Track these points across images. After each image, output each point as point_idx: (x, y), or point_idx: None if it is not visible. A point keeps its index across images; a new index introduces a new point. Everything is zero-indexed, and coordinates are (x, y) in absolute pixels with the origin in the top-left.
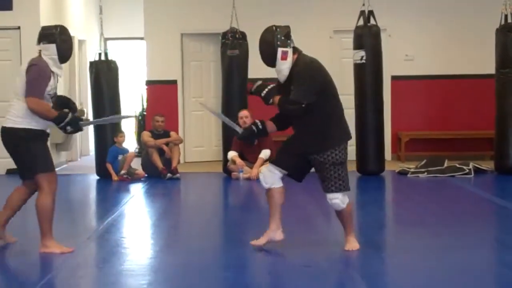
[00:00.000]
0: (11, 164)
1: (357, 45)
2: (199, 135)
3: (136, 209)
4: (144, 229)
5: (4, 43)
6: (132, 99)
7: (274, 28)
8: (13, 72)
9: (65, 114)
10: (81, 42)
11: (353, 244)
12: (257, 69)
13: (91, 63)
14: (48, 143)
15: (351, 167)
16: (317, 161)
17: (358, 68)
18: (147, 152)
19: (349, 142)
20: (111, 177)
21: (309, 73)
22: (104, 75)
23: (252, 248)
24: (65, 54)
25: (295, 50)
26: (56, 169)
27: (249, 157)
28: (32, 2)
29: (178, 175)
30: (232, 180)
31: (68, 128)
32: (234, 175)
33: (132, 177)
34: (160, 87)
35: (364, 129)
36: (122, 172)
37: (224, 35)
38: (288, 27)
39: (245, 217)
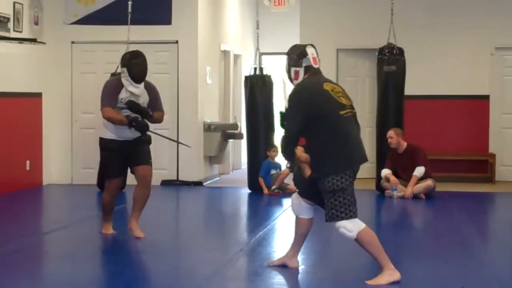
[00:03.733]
0: (166, 175)
1: None
2: None
3: (287, 223)
4: None
5: (162, 56)
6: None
7: (293, 46)
8: (171, 85)
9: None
10: (236, 56)
11: (378, 279)
12: (414, 85)
13: (246, 77)
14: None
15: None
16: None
17: None
18: (300, 168)
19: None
20: (262, 191)
21: (294, 100)
22: (259, 89)
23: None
24: (135, 76)
25: (308, 69)
26: (208, 182)
27: (403, 174)
28: (190, 17)
29: None
30: (385, 198)
31: (134, 124)
32: (388, 193)
33: (284, 192)
34: None
35: None
36: (274, 187)
37: (381, 50)
38: (305, 45)
39: (398, 237)
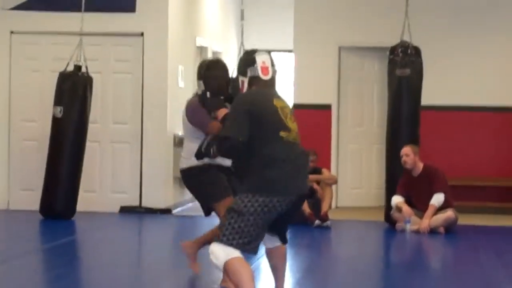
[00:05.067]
0: (127, 201)
1: None
2: (357, 173)
3: None
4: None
5: (123, 52)
6: None
7: (245, 51)
8: (134, 87)
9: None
10: (216, 54)
11: None
12: (433, 93)
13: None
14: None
15: None
16: None
17: None
18: None
19: None
20: None
21: (241, 106)
22: None
23: None
24: (214, 90)
25: (253, 81)
26: (179, 209)
27: (418, 203)
28: (159, 4)
29: (328, 222)
30: (396, 232)
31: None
32: (399, 226)
33: None
34: (310, 113)
35: None
36: None
37: (393, 50)
38: (254, 51)
39: (411, 280)
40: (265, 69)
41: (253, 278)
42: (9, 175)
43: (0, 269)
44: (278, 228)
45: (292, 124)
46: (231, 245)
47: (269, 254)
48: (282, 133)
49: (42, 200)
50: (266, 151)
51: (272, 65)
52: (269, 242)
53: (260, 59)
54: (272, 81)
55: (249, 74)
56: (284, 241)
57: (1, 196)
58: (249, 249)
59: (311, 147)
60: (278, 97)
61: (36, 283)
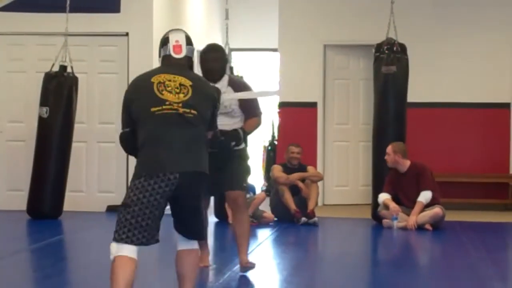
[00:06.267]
0: (113, 200)
1: None
2: (343, 171)
3: (263, 260)
4: (273, 286)
5: (108, 52)
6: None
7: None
8: (120, 87)
9: None
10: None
11: None
12: (419, 91)
13: None
14: None
15: None
16: None
17: None
18: (278, 191)
19: None
20: (227, 219)
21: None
22: None
23: None
24: (205, 74)
25: (164, 61)
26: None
27: (405, 200)
28: (144, 4)
29: (315, 219)
30: (383, 229)
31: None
32: (386, 222)
33: (259, 221)
34: (296, 111)
35: None
36: None
37: (378, 47)
38: (173, 30)
39: (398, 278)
40: (177, 47)
41: (127, 283)
42: None
43: None
44: (180, 221)
45: (175, 96)
46: (121, 240)
47: (179, 258)
48: (154, 108)
49: (29, 200)
50: (141, 132)
51: (188, 44)
52: (183, 243)
53: (173, 37)
54: (186, 61)
55: (162, 53)
56: (197, 237)
57: None
58: (143, 241)
59: (298, 143)
60: (170, 72)
61: (24, 283)
